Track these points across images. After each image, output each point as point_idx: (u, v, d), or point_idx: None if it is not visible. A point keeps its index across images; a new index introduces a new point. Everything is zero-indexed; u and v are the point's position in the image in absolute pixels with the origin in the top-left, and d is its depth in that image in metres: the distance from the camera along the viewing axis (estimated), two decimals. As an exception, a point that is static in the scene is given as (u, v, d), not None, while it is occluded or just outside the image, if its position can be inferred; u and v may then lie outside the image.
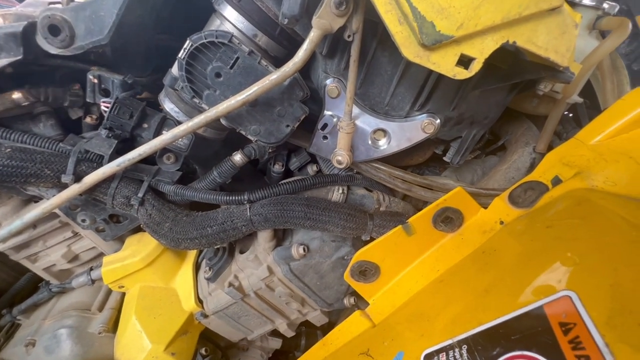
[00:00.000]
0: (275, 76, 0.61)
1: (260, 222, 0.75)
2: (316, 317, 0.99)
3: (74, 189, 0.72)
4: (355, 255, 0.75)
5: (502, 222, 0.69)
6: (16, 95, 0.71)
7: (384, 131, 0.77)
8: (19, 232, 0.79)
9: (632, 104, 0.58)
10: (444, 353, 0.49)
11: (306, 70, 0.82)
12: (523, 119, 0.88)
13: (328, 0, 0.53)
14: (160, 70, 0.87)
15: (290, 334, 1.02)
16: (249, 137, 0.72)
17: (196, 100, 0.66)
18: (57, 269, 0.94)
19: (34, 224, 0.86)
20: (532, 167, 0.82)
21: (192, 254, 0.99)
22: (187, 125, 0.64)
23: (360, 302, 1.00)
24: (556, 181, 0.63)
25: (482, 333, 0.46)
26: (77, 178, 0.72)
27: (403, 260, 0.77)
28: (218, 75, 0.64)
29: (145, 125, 0.71)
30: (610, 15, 0.65)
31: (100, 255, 0.96)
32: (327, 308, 0.97)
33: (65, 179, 0.70)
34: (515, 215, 0.67)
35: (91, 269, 0.91)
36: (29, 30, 0.63)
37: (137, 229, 0.96)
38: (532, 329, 0.42)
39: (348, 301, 0.96)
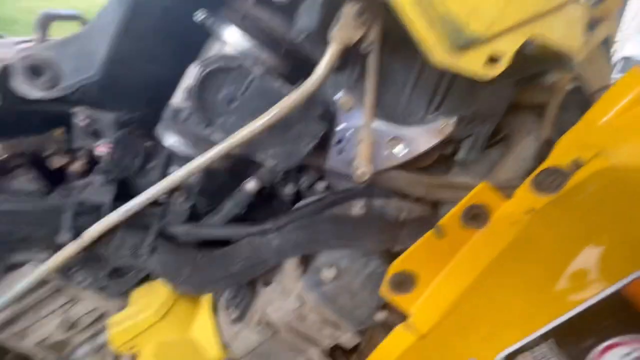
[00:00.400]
0: (296, 96, 0.58)
1: (289, 249, 0.71)
2: (349, 339, 0.94)
3: (72, 248, 0.63)
4: (392, 267, 0.73)
5: (530, 211, 0.70)
6: (-10, 150, 0.61)
7: (400, 139, 0.76)
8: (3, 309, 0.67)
9: (632, 83, 0.62)
10: (529, 352, 0.48)
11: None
12: (520, 110, 0.92)
13: (347, 11, 0.52)
14: (150, 105, 0.81)
15: (323, 361, 0.96)
16: (266, 163, 0.68)
17: (207, 131, 0.61)
18: (52, 342, 0.81)
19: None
20: (537, 155, 0.85)
21: (207, 297, 0.90)
22: (206, 157, 0.59)
23: (392, 316, 0.97)
24: (577, 164, 0.65)
25: (566, 324, 0.46)
26: (75, 235, 0.63)
27: (438, 264, 0.75)
28: (231, 101, 0.59)
29: (152, 165, 0.65)
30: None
31: (103, 316, 0.85)
32: (360, 327, 0.92)
33: (62, 238, 0.61)
34: (542, 202, 0.69)
35: (95, 333, 0.80)
36: (2, 75, 0.55)
37: (142, 281, 0.86)
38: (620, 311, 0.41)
39: (381, 316, 0.93)
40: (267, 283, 0.86)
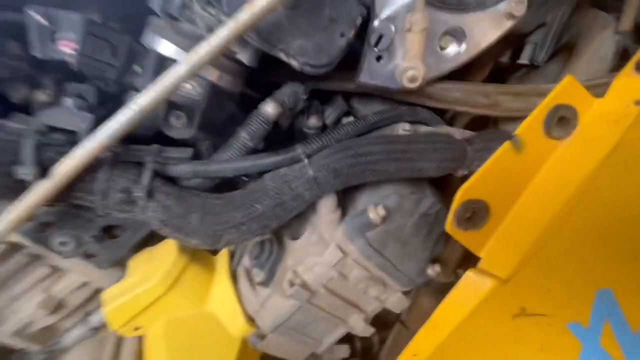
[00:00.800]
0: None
1: (328, 179, 0.54)
2: (396, 301, 0.78)
3: (42, 189, 0.46)
4: (459, 195, 0.56)
5: (639, 102, 0.54)
6: None
7: (453, 34, 0.60)
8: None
9: None
10: None
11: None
12: (585, 7, 0.76)
13: None
14: (130, 20, 0.64)
15: (368, 332, 0.80)
16: (292, 61, 0.51)
17: (211, 10, 0.44)
18: (36, 329, 0.64)
19: (-15, 269, 0.58)
20: (618, 52, 0.69)
21: (223, 262, 0.75)
22: (211, 45, 0.42)
23: (444, 269, 0.82)
24: None
25: None
26: (43, 172, 0.46)
27: (515, 188, 0.59)
28: (241, -41, 0.42)
29: (138, 68, 0.48)
30: None
31: (97, 292, 0.68)
32: (409, 286, 0.77)
33: (22, 172, 0.44)
34: (658, 87, 0.53)
35: (87, 315, 0.63)
36: None
37: (140, 247, 0.70)
38: None
39: (433, 270, 0.77)
40: (295, 237, 0.70)
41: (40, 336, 0.67)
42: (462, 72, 0.73)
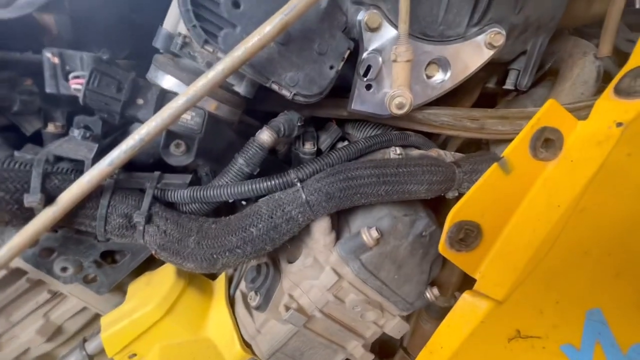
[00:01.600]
0: (316, -14, 0.45)
1: (320, 202, 0.56)
2: (396, 326, 0.77)
3: (47, 216, 0.48)
4: (451, 216, 0.57)
5: (619, 124, 0.55)
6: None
7: (438, 63, 0.64)
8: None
9: None
10: None
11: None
12: (565, 34, 0.80)
13: None
14: (135, 57, 0.69)
15: (368, 358, 0.78)
16: (284, 91, 0.55)
17: (209, 47, 0.48)
18: (33, 356, 0.64)
19: (-13, 295, 0.59)
20: (599, 76, 0.72)
21: (220, 288, 0.75)
22: (208, 78, 0.46)
23: (441, 298, 0.81)
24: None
25: None
26: (49, 199, 0.49)
27: (506, 209, 0.60)
28: (236, 4, 0.47)
29: (140, 101, 0.51)
30: None
31: (95, 320, 0.69)
32: (407, 310, 0.76)
33: (29, 199, 0.47)
34: (636, 110, 0.54)
35: (84, 341, 0.63)
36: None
37: (139, 273, 0.71)
38: None
39: (431, 294, 0.76)
40: (291, 261, 0.70)
41: (36, 364, 0.67)
42: (451, 98, 0.76)
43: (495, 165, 0.58)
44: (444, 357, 0.60)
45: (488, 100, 0.89)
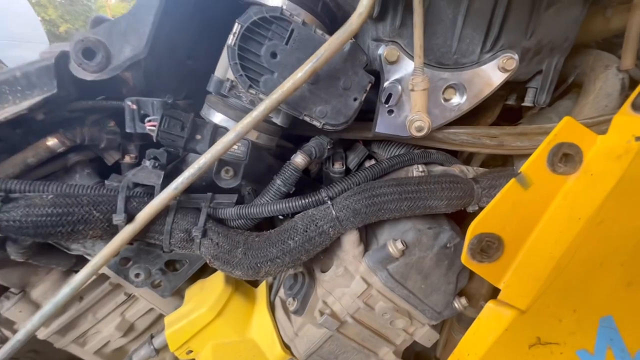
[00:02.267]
0: (339, 36, 0.54)
1: (348, 217, 0.63)
2: (425, 334, 0.80)
3: (128, 231, 0.60)
4: (471, 229, 0.61)
5: (638, 139, 0.57)
6: (51, 141, 0.64)
7: (455, 87, 0.69)
8: (66, 304, 0.65)
9: None
10: None
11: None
12: (587, 49, 0.81)
13: None
14: (191, 97, 0.82)
15: (399, 365, 0.82)
16: (315, 122, 0.63)
17: (252, 91, 0.59)
18: (111, 349, 0.77)
19: (80, 296, 0.73)
20: (623, 88, 0.73)
21: (262, 294, 0.84)
22: (252, 117, 0.56)
23: (472, 303, 0.83)
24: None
25: None
26: (129, 217, 0.61)
27: (527, 222, 0.63)
28: (274, 55, 0.57)
29: (199, 137, 0.63)
30: None
31: (158, 320, 0.81)
32: (436, 319, 0.79)
33: (117, 218, 0.59)
34: (654, 124, 0.56)
35: (152, 337, 0.75)
36: (62, 60, 0.58)
37: (194, 279, 0.82)
38: None
39: (459, 304, 0.79)
40: (324, 270, 0.77)
41: (112, 356, 0.80)
42: (472, 116, 0.81)
43: (513, 180, 0.62)
44: (471, 365, 0.63)
45: (515, 114, 0.91)
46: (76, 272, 0.76)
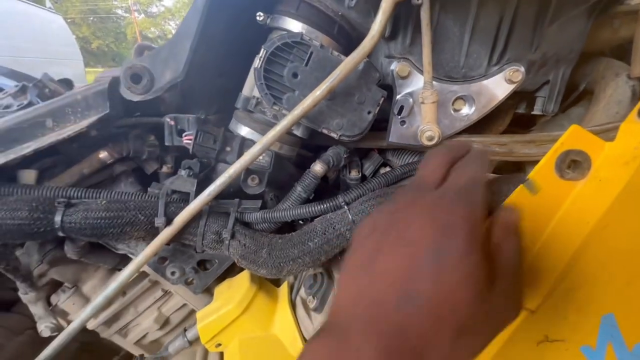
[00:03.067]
0: (354, 56, 0.60)
1: (364, 221, 0.68)
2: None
3: (167, 232, 0.68)
4: (481, 233, 0.65)
5: (645, 145, 0.59)
6: (102, 154, 0.73)
7: (464, 99, 0.73)
8: (112, 298, 0.74)
9: None
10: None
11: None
12: (597, 57, 0.83)
13: (396, -35, 0.55)
14: (221, 111, 0.90)
15: None
16: (332, 134, 0.69)
17: (276, 107, 0.65)
18: (149, 340, 0.85)
19: (124, 291, 0.81)
20: (634, 95, 0.74)
21: (284, 293, 0.90)
22: (275, 130, 0.62)
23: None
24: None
25: None
26: (168, 221, 0.69)
27: (535, 226, 0.66)
28: (295, 75, 0.63)
29: (228, 149, 0.70)
30: None
31: (191, 314, 0.88)
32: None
33: (158, 221, 0.67)
34: (660, 131, 0.58)
35: (185, 330, 0.82)
36: (114, 85, 0.67)
37: (222, 278, 0.89)
38: None
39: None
40: (343, 271, 0.82)
41: (150, 348, 0.88)
42: (483, 125, 0.84)
43: (521, 186, 0.65)
44: (483, 362, 0.66)
45: (529, 120, 0.94)
46: (119, 270, 0.85)
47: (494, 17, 0.64)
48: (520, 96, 0.78)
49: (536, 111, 0.76)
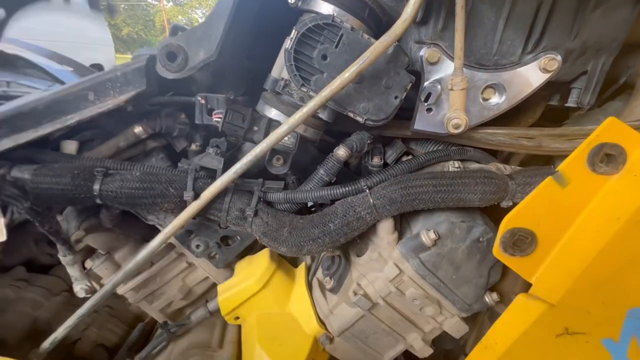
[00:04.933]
0: (385, 39, 0.60)
1: (384, 205, 0.69)
2: (454, 325, 0.83)
3: (194, 206, 0.71)
4: (504, 223, 0.64)
5: (687, 140, 0.56)
6: (137, 129, 0.77)
7: (494, 87, 0.72)
8: (141, 267, 0.78)
9: None
10: None
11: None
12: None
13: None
14: (248, 94, 0.92)
15: (426, 352, 0.86)
16: (358, 117, 0.70)
17: (304, 89, 0.67)
18: (172, 309, 0.90)
19: (151, 262, 0.86)
20: (680, 89, 0.70)
21: (301, 274, 0.92)
22: (303, 111, 0.64)
23: (504, 300, 0.84)
24: None
25: None
26: (196, 195, 0.72)
27: (563, 220, 0.64)
28: (324, 57, 0.64)
29: (256, 128, 0.72)
30: None
31: (212, 287, 0.92)
32: (466, 311, 0.82)
33: (187, 195, 0.70)
34: None
35: (207, 301, 0.87)
36: (151, 62, 0.70)
37: (243, 255, 0.93)
38: None
39: (490, 298, 0.81)
40: (359, 255, 0.83)
41: (173, 316, 0.93)
42: (512, 117, 0.82)
43: (549, 178, 0.63)
44: (498, 353, 0.66)
45: (562, 114, 0.90)
46: (148, 242, 0.90)
47: (532, 1, 0.62)
48: (554, 87, 0.76)
49: (570, 103, 0.74)
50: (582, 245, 0.62)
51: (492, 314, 0.92)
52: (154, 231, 0.86)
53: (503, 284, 0.87)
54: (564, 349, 0.53)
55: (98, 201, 0.68)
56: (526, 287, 0.89)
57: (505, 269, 0.82)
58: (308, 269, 0.94)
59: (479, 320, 0.97)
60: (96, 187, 0.67)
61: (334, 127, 0.90)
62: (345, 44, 0.63)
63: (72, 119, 0.67)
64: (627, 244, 0.54)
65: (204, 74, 0.81)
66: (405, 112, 0.78)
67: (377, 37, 0.62)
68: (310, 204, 0.85)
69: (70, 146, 0.75)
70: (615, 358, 0.45)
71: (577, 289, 0.56)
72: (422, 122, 0.76)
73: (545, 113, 0.86)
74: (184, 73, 0.71)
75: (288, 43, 0.64)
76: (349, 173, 0.95)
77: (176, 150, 0.89)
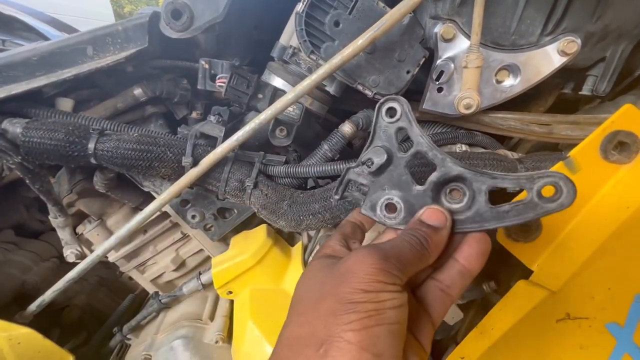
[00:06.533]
0: (400, 8, 0.57)
1: (389, 183, 0.67)
2: (449, 311, 0.83)
3: (193, 173, 0.69)
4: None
5: None
6: (137, 90, 0.74)
7: (508, 69, 0.69)
8: (133, 234, 0.76)
9: None
10: None
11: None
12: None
13: None
14: (253, 64, 0.89)
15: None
16: (367, 91, 0.67)
17: (313, 56, 0.64)
18: (164, 280, 0.89)
19: (144, 229, 0.84)
20: (698, 82, 0.69)
21: (297, 253, 0.90)
22: (311, 79, 0.61)
23: (500, 290, 0.84)
24: None
25: None
26: (195, 162, 0.70)
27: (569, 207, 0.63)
28: (337, 23, 0.61)
29: (260, 96, 0.70)
30: None
31: (206, 260, 0.91)
32: (463, 299, 0.81)
33: (185, 160, 0.68)
34: None
35: (200, 274, 0.85)
36: (154, 19, 0.67)
37: (239, 230, 0.91)
38: None
39: (488, 287, 0.81)
40: (359, 235, 0.82)
41: (165, 287, 0.91)
42: (524, 103, 0.80)
43: (560, 163, 0.62)
44: (493, 338, 0.65)
45: (571, 106, 0.88)
46: (141, 209, 0.88)
47: (556, -20, 0.59)
48: (569, 74, 0.74)
49: (585, 91, 0.72)
50: (588, 233, 0.60)
51: (486, 303, 0.92)
52: (149, 199, 0.84)
53: (500, 273, 0.86)
54: (565, 333, 0.52)
55: (92, 161, 0.65)
56: (524, 276, 0.88)
57: (502, 259, 0.81)
58: (304, 248, 0.92)
59: (473, 308, 0.97)
60: (91, 145, 0.64)
61: (338, 105, 0.88)
62: (359, 11, 0.61)
63: (68, 72, 0.64)
64: (636, 232, 0.52)
65: (208, 38, 0.78)
66: (414, 95, 0.76)
67: (392, 6, 0.60)
68: (310, 185, 0.83)
69: (66, 103, 0.71)
70: (620, 342, 0.44)
71: (582, 276, 0.55)
72: (431, 102, 0.74)
73: (554, 105, 0.85)
74: (189, 33, 0.68)
75: (299, 6, 0.61)
76: (352, 154, 0.93)
77: (176, 117, 0.86)
